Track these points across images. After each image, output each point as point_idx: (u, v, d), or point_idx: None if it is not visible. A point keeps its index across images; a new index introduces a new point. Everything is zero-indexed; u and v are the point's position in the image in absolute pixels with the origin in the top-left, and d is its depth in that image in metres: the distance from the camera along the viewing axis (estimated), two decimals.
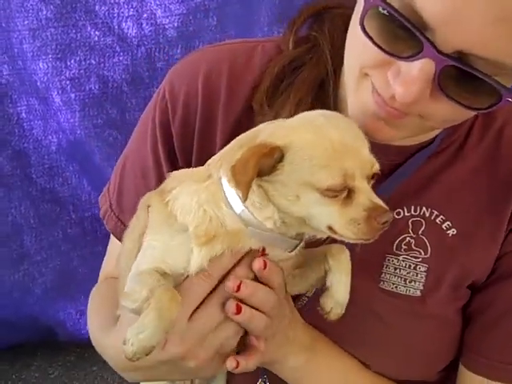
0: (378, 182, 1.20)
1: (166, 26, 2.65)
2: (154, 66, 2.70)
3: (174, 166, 1.31)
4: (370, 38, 1.00)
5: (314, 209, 1.00)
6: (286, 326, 1.18)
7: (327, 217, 1.00)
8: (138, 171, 1.39)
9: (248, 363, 1.14)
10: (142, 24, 2.64)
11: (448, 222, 1.26)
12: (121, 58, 2.68)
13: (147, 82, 2.72)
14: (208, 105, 1.31)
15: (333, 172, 0.98)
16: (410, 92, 0.98)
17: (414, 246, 1.26)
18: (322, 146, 0.99)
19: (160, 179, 1.24)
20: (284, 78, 1.24)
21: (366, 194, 0.99)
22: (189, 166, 1.27)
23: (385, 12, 0.96)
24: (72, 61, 2.63)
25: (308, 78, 1.23)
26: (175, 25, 2.65)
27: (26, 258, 2.87)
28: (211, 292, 1.09)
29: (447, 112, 1.04)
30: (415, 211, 1.27)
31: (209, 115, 1.31)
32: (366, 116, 1.11)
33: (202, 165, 1.13)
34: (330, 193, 0.98)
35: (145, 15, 2.63)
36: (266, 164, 0.98)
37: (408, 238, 1.26)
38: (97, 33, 2.62)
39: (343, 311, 1.12)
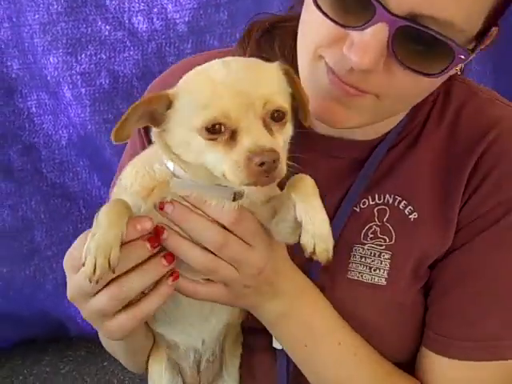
0: (344, 177, 1.25)
1: (177, 21, 2.64)
2: (164, 60, 2.69)
3: None
4: (323, 11, 1.02)
5: (204, 155, 0.98)
6: (268, 276, 1.15)
7: (216, 162, 0.97)
8: None
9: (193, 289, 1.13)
10: (152, 18, 2.64)
11: (410, 207, 1.26)
12: (131, 53, 2.67)
13: (157, 76, 2.69)
14: None
15: (208, 112, 0.95)
16: (365, 58, 1.00)
17: (380, 233, 1.27)
18: (202, 88, 0.98)
19: None
20: None
21: (251, 135, 0.94)
22: None
23: None
24: (82, 55, 2.63)
25: None
26: (186, 19, 2.64)
27: (36, 254, 2.87)
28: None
29: (403, 84, 1.06)
30: (379, 199, 1.28)
31: None
32: (321, 99, 1.11)
33: None
34: (209, 135, 0.95)
35: (155, 10, 2.63)
36: (154, 113, 1.00)
37: (374, 227, 1.27)
38: (107, 27, 2.62)
39: (329, 247, 1.03)
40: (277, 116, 0.98)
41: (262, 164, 0.91)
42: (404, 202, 1.27)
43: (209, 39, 2.67)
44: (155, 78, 2.65)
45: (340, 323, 1.25)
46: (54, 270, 2.89)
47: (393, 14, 0.97)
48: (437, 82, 1.14)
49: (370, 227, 1.28)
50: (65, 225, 2.92)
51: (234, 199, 1.07)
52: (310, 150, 1.22)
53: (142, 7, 2.61)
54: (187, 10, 2.62)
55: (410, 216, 1.26)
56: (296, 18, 1.20)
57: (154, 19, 2.64)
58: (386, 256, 1.26)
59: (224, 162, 0.95)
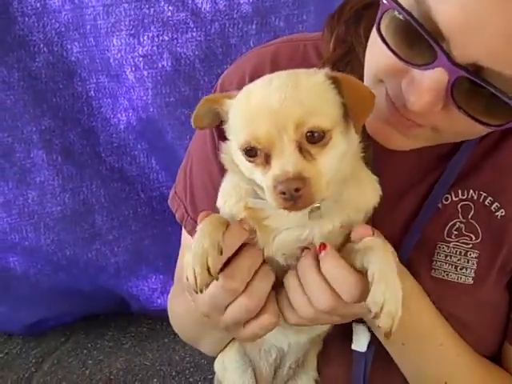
0: (427, 173, 1.20)
1: (241, 1, 2.56)
2: (227, 42, 2.62)
3: None
4: (386, 42, 0.99)
5: (249, 173, 0.99)
6: None
7: (261, 182, 0.96)
8: (204, 173, 1.40)
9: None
10: None
11: (496, 203, 1.22)
12: (194, 34, 2.60)
13: (220, 58, 2.64)
14: None
15: (242, 136, 0.95)
16: (420, 102, 0.97)
17: (465, 231, 1.24)
18: (241, 109, 0.98)
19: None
20: None
21: (281, 161, 0.92)
22: None
23: (400, 17, 0.95)
24: (145, 37, 2.57)
25: None
26: (250, 0, 2.56)
27: (98, 237, 2.87)
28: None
29: (460, 125, 1.02)
30: (463, 195, 1.25)
31: None
32: (379, 122, 1.09)
33: None
34: (247, 157, 0.96)
35: None
36: (218, 112, 1.03)
37: (458, 224, 1.25)
38: (170, 8, 2.55)
39: (396, 314, 0.95)
40: (313, 137, 0.94)
41: (283, 193, 0.91)
42: (490, 198, 1.23)
43: (274, 20, 2.58)
44: (218, 60, 2.66)
45: (440, 323, 1.22)
46: (116, 253, 2.90)
47: (455, 63, 0.92)
48: None
49: (454, 224, 1.24)
50: (125, 209, 2.90)
51: (312, 217, 1.04)
52: None
53: None
54: None
55: (497, 213, 1.22)
56: None
57: None
58: (473, 255, 1.23)
59: (261, 184, 0.96)
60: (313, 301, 1.03)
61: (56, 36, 2.63)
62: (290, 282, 1.07)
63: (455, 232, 1.24)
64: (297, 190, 0.90)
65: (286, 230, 1.06)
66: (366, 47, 1.14)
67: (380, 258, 0.98)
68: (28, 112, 2.66)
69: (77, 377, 2.89)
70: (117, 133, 2.84)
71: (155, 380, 2.89)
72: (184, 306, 1.42)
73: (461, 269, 1.23)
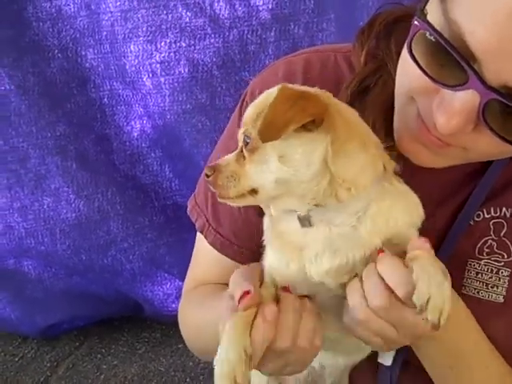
0: (458, 190, 1.19)
1: (260, 8, 2.52)
2: (246, 49, 2.58)
3: None
4: (417, 62, 0.98)
5: None
6: None
7: None
8: None
9: None
10: (235, 5, 2.53)
11: None
12: (212, 41, 2.57)
13: (238, 65, 2.61)
14: None
15: None
16: (450, 123, 0.96)
17: (497, 248, 1.23)
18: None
19: None
20: (356, 99, 1.21)
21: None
22: None
23: (432, 38, 0.95)
24: (162, 43, 2.54)
25: (378, 100, 1.21)
26: (269, 6, 2.52)
27: (113, 245, 2.85)
28: None
29: (491, 146, 1.01)
30: (495, 212, 1.24)
31: None
32: (409, 139, 1.10)
33: None
34: None
35: None
36: None
37: (490, 241, 1.23)
38: (188, 14, 2.52)
39: (444, 307, 0.94)
40: (244, 141, 1.03)
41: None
42: None
43: (293, 28, 2.54)
44: (236, 66, 2.63)
45: (487, 346, 1.21)
46: (131, 261, 2.89)
47: (487, 86, 0.91)
48: None
49: (486, 241, 1.23)
50: (140, 217, 2.88)
51: (303, 225, 1.05)
52: None
53: None
54: None
55: None
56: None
57: (237, 5, 2.52)
58: (505, 273, 1.22)
59: None
60: (368, 298, 1.01)
61: (71, 42, 2.61)
62: (352, 284, 1.05)
63: (487, 249, 1.23)
64: (207, 175, 1.05)
65: (320, 259, 1.04)
66: (397, 62, 1.13)
67: (426, 259, 0.98)
68: (43, 117, 2.64)
69: (91, 382, 2.90)
70: (130, 140, 2.82)
71: None
72: (201, 321, 1.41)
73: (492, 287, 1.22)
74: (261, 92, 1.29)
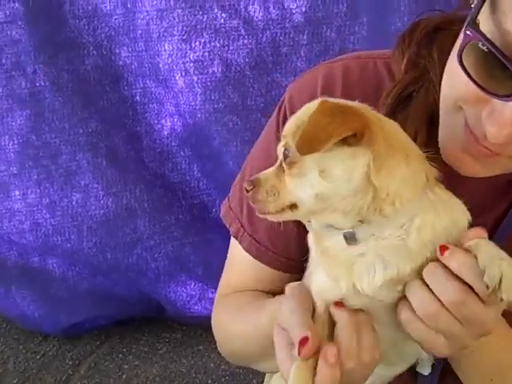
0: (500, 196, 1.19)
1: (293, 11, 2.58)
2: (278, 51, 2.63)
3: None
4: (467, 72, 0.97)
5: None
6: None
7: None
8: None
9: None
10: (268, 7, 2.58)
11: None
12: (245, 42, 2.62)
13: (270, 67, 2.66)
14: None
15: None
16: (501, 134, 0.96)
17: None
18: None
19: None
20: (397, 108, 1.20)
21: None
22: None
23: (484, 48, 0.94)
24: (197, 43, 2.58)
25: (420, 109, 1.19)
26: (303, 9, 2.57)
27: (139, 243, 2.86)
28: None
29: None
30: None
31: None
32: (456, 149, 1.09)
33: None
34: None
35: None
36: None
37: None
38: (223, 15, 2.57)
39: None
40: (284, 154, 1.01)
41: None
42: None
43: (325, 31, 2.59)
44: (268, 68, 2.67)
45: None
46: (156, 259, 2.88)
47: None
48: None
49: None
50: (167, 215, 2.88)
51: (349, 243, 1.01)
52: None
53: None
54: None
55: None
56: (461, 21, 1.11)
57: (271, 8, 2.58)
58: None
59: None
60: (439, 294, 0.98)
61: (105, 40, 2.64)
62: (413, 283, 1.02)
63: None
64: (246, 190, 1.02)
65: (371, 273, 1.02)
66: (439, 71, 1.13)
67: (488, 244, 0.97)
68: (76, 114, 2.67)
69: (114, 381, 2.88)
70: (160, 139, 2.84)
71: None
72: (249, 328, 1.36)
73: None
74: (300, 95, 1.30)
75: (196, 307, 3.03)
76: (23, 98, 2.63)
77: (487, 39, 0.93)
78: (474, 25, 0.96)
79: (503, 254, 0.95)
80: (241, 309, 1.41)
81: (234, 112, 2.69)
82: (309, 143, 0.94)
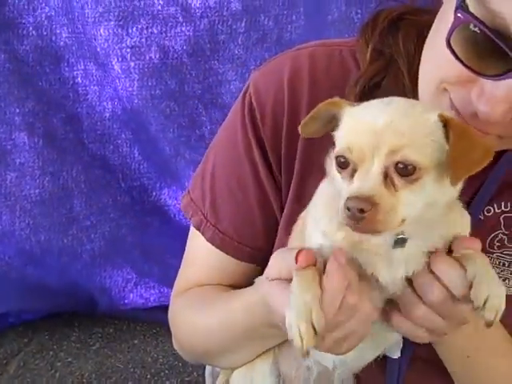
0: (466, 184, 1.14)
1: None
2: (216, 38, 2.63)
3: (270, 170, 1.33)
4: (456, 54, 0.99)
5: (337, 185, 0.99)
6: None
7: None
8: (231, 177, 1.37)
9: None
10: None
11: None
12: (183, 29, 2.61)
13: (208, 54, 2.66)
14: (293, 112, 1.31)
15: (339, 143, 0.98)
16: (494, 112, 0.97)
17: (507, 242, 1.24)
18: (350, 120, 0.99)
19: (259, 182, 1.32)
20: (365, 97, 1.18)
21: (362, 179, 0.93)
22: (279, 170, 1.33)
23: (476, 29, 0.95)
24: (134, 29, 2.58)
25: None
26: None
27: (75, 223, 2.86)
28: None
29: None
30: (506, 207, 1.24)
31: (294, 122, 1.26)
32: None
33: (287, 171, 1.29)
34: (337, 167, 0.97)
35: None
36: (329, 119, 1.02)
37: (500, 235, 1.24)
38: (160, 2, 2.57)
39: (501, 307, 0.97)
40: (403, 169, 0.92)
41: (348, 209, 0.91)
42: None
43: (263, 19, 2.58)
44: (206, 55, 2.67)
45: (506, 334, 1.22)
46: (92, 239, 2.89)
47: None
48: None
49: (496, 235, 1.24)
50: (104, 196, 2.90)
51: (395, 246, 1.01)
52: None
53: None
54: None
55: None
56: (420, 12, 1.17)
57: None
58: None
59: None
60: (422, 294, 1.02)
61: (46, 20, 2.62)
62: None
63: (497, 243, 1.23)
64: (361, 211, 0.90)
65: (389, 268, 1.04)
66: (406, 59, 1.15)
67: (479, 259, 1.00)
68: (12, 94, 2.65)
69: (47, 380, 2.79)
70: (101, 120, 2.83)
71: (130, 383, 2.82)
72: (215, 321, 1.36)
73: (504, 280, 1.23)
74: (266, 85, 1.31)
75: (131, 295, 3.00)
76: None
77: (480, 21, 0.94)
78: (465, 7, 0.97)
79: (495, 273, 0.99)
80: (206, 302, 1.40)
81: (171, 98, 2.69)
82: (462, 172, 0.94)
